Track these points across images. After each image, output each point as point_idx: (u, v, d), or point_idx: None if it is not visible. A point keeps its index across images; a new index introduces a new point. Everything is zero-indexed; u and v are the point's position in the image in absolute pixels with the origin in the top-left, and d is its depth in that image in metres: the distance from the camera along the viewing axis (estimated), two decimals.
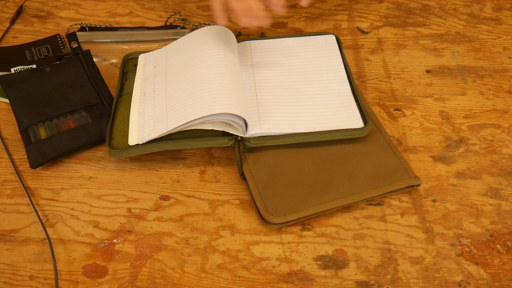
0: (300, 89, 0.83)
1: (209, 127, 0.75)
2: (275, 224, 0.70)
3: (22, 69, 0.91)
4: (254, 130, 0.76)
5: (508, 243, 0.70)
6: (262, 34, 1.00)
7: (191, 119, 0.73)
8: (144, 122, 0.78)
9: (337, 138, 0.76)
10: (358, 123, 0.77)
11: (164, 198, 0.76)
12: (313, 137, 0.76)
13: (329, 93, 0.82)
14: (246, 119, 0.75)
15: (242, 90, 0.81)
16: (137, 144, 0.75)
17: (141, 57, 0.90)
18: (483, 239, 0.71)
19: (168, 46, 0.90)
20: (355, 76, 0.92)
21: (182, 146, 0.76)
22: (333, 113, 0.79)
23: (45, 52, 0.94)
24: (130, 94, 0.84)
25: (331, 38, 0.91)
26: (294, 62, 0.87)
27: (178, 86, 0.80)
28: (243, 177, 0.76)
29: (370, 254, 0.69)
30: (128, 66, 0.90)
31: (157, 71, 0.86)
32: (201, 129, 0.76)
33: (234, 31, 1.00)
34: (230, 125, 0.75)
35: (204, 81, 0.78)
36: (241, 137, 0.76)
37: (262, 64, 0.87)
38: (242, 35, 1.00)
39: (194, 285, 0.67)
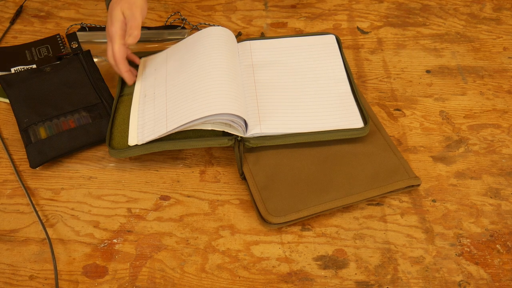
0: (300, 89, 0.83)
1: (209, 127, 0.75)
2: (275, 224, 0.70)
3: (22, 69, 0.91)
4: (254, 130, 0.76)
5: (508, 243, 0.70)
6: (262, 34, 1.00)
7: (191, 120, 0.73)
8: (144, 123, 0.78)
9: (337, 138, 0.76)
10: (358, 123, 0.77)
11: (164, 198, 0.76)
12: (313, 137, 0.76)
13: (329, 93, 0.82)
14: (246, 119, 0.75)
15: (242, 90, 0.81)
16: (137, 144, 0.75)
17: (142, 61, 0.90)
18: (483, 239, 0.71)
19: (168, 49, 0.90)
20: (355, 76, 0.92)
21: (182, 146, 0.76)
22: (333, 113, 0.79)
23: (45, 52, 0.94)
24: (130, 95, 0.84)
25: (331, 38, 0.91)
26: (294, 62, 0.87)
27: (178, 87, 0.80)
28: (243, 177, 0.76)
29: (370, 254, 0.69)
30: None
31: (157, 74, 0.86)
32: (201, 129, 0.76)
33: (234, 31, 1.00)
34: (230, 125, 0.75)
35: (204, 81, 0.78)
36: (241, 137, 0.76)
37: (262, 64, 0.87)
38: (242, 35, 1.00)
39: (194, 285, 0.67)
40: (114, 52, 0.82)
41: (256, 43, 0.91)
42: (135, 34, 0.80)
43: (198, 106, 0.75)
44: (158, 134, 0.75)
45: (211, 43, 0.85)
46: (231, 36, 0.89)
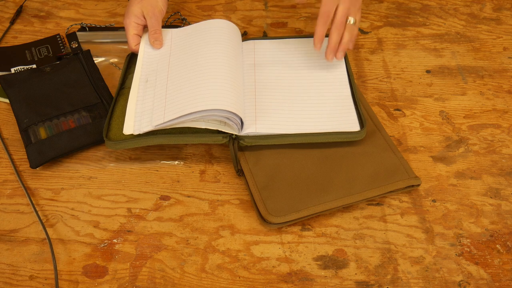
0: (299, 90, 0.83)
1: (202, 125, 0.74)
2: (275, 224, 0.70)
3: (22, 69, 0.91)
4: (249, 129, 0.76)
5: (508, 243, 0.70)
6: (264, 34, 1.00)
7: (189, 112, 0.73)
8: (143, 111, 0.77)
9: (332, 140, 0.76)
10: (354, 126, 0.77)
11: (164, 198, 0.76)
12: (309, 139, 0.76)
13: (328, 95, 0.82)
14: (242, 118, 0.75)
15: (242, 88, 0.81)
16: (133, 136, 0.75)
17: (144, 36, 0.89)
18: (483, 239, 0.71)
19: (174, 30, 0.90)
20: (355, 76, 0.92)
21: (177, 141, 0.75)
22: (330, 115, 0.79)
23: (45, 52, 0.94)
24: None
25: None
26: (296, 63, 0.87)
27: (180, 78, 0.79)
28: (239, 174, 0.76)
29: (370, 254, 0.69)
30: (133, 60, 0.90)
31: (161, 56, 0.85)
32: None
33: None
34: (224, 123, 0.75)
35: (206, 76, 0.78)
36: (235, 135, 0.76)
37: (264, 63, 0.87)
38: (247, 35, 1.00)
39: (194, 285, 0.67)
40: (127, 41, 0.89)
41: (260, 42, 0.91)
42: (160, 39, 0.87)
43: (197, 100, 0.74)
44: (155, 124, 0.74)
45: (218, 37, 0.84)
46: (238, 32, 0.89)
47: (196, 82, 0.78)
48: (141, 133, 0.75)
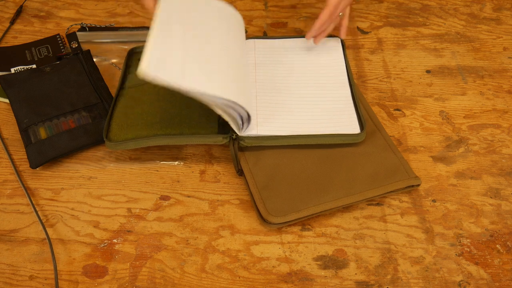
0: (300, 91, 0.83)
1: (219, 111, 0.70)
2: (275, 224, 0.70)
3: (22, 69, 0.91)
4: (251, 131, 0.76)
5: (508, 243, 0.70)
6: (264, 33, 1.00)
7: (212, 93, 0.66)
8: (165, 56, 0.65)
9: (332, 142, 0.76)
10: (354, 128, 0.77)
11: (164, 198, 0.76)
12: (309, 140, 0.76)
13: (329, 97, 0.82)
14: (251, 117, 0.73)
15: (250, 86, 0.81)
16: (133, 137, 0.75)
17: None
18: (483, 239, 0.71)
19: None
20: (355, 76, 0.92)
21: (178, 141, 0.75)
22: (330, 117, 0.79)
23: (45, 52, 0.94)
24: (132, 88, 0.84)
25: (337, 41, 0.91)
26: (297, 63, 0.87)
27: (206, 48, 0.72)
28: (239, 173, 0.76)
29: (370, 254, 0.69)
30: (132, 60, 0.90)
31: (181, 17, 0.73)
32: (197, 126, 0.76)
33: None
34: (234, 118, 0.72)
35: (231, 60, 0.75)
36: (236, 135, 0.75)
37: (264, 63, 0.87)
38: (247, 33, 1.00)
39: (194, 285, 0.67)
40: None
41: (261, 42, 0.91)
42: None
43: (222, 84, 0.69)
44: (170, 78, 0.63)
45: (240, 30, 0.83)
46: (242, 22, 0.87)
47: (221, 61, 0.72)
48: (155, 76, 0.62)
